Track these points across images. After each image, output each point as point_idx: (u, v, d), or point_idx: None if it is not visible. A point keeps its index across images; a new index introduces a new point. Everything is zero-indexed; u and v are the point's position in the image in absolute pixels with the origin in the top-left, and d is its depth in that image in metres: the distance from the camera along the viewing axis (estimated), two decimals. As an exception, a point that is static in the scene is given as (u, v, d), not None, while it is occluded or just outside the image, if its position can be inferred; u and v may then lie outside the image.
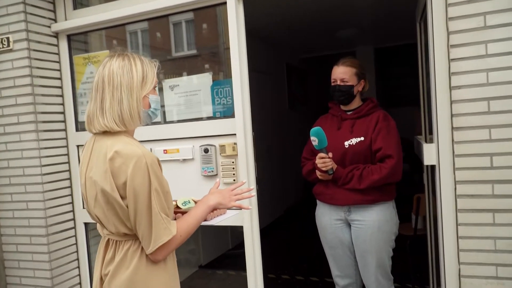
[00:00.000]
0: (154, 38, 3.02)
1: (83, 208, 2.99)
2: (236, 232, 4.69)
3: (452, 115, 2.02)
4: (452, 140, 2.03)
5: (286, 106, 6.84)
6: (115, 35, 3.05)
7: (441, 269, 2.20)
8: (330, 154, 2.24)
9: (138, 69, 1.47)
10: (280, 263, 4.49)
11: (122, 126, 1.45)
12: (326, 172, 2.27)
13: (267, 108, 5.68)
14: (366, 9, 4.87)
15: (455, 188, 2.02)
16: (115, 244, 1.50)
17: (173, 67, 3.02)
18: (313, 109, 8.47)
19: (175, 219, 1.61)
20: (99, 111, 1.44)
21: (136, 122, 1.48)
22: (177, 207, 1.72)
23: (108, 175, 1.39)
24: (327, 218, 2.44)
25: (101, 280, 1.52)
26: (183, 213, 1.65)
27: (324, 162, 2.24)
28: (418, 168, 4.51)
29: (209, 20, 2.87)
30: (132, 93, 1.44)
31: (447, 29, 1.99)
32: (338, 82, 2.40)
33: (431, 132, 2.75)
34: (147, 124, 1.60)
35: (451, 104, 2.02)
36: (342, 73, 2.40)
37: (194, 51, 2.94)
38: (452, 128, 2.02)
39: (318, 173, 2.36)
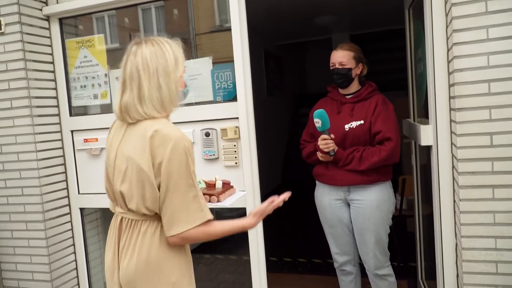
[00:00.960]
0: (122, 23, 3.01)
1: (79, 193, 2.97)
2: (220, 216, 4.73)
3: (450, 97, 2.13)
4: (450, 120, 2.15)
5: (265, 92, 6.90)
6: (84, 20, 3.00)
7: (436, 244, 2.33)
8: (332, 136, 2.32)
9: (169, 51, 1.48)
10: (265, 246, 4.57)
11: (163, 112, 1.47)
12: (327, 153, 2.35)
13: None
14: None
15: (453, 166, 2.15)
16: (130, 224, 1.51)
17: None
18: (289, 96, 8.58)
19: None
20: (137, 100, 1.45)
21: (176, 105, 1.51)
22: None
23: (146, 152, 1.40)
24: (327, 198, 2.53)
25: (117, 260, 1.54)
26: (206, 194, 1.70)
27: (326, 143, 2.32)
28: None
29: (180, 5, 2.87)
30: (169, 76, 1.46)
31: (446, 14, 2.09)
32: (337, 66, 2.47)
33: (421, 115, 2.88)
34: None
35: (449, 86, 2.14)
36: (340, 57, 2.47)
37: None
38: (450, 109, 2.14)
39: (319, 154, 2.44)
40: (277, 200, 1.65)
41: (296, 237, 4.95)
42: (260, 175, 2.59)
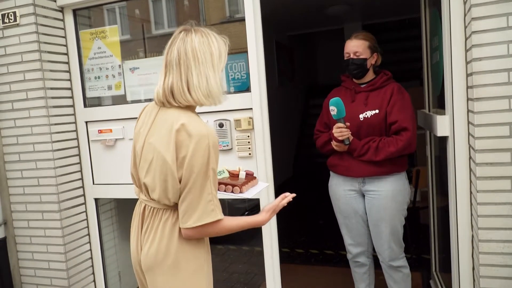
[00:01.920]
0: (133, 14, 3.02)
1: (93, 184, 2.99)
2: (232, 209, 4.74)
3: (467, 87, 2.10)
4: (467, 111, 2.12)
5: (276, 84, 6.88)
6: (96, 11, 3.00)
7: (452, 236, 2.31)
8: (348, 124, 2.29)
9: (216, 45, 1.50)
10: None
11: (211, 101, 1.51)
12: (342, 142, 2.32)
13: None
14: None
15: (470, 157, 2.12)
16: (152, 212, 1.55)
17: (153, 44, 3.02)
18: (299, 87, 8.54)
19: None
20: (185, 85, 1.46)
21: (221, 96, 1.53)
22: None
23: (171, 145, 1.42)
24: (341, 189, 2.52)
25: (140, 246, 1.58)
26: (225, 184, 1.71)
27: (341, 131, 2.28)
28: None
29: None
30: (215, 69, 1.49)
31: (465, 2, 2.05)
32: (352, 56, 2.43)
33: (436, 106, 2.85)
34: None
35: (467, 76, 2.10)
36: (355, 47, 2.43)
37: (174, 29, 2.92)
38: (468, 99, 2.11)
39: (334, 143, 2.41)
40: (289, 196, 1.68)
41: (309, 228, 4.95)
42: (273, 165, 2.58)
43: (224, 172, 1.79)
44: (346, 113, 2.30)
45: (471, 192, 2.15)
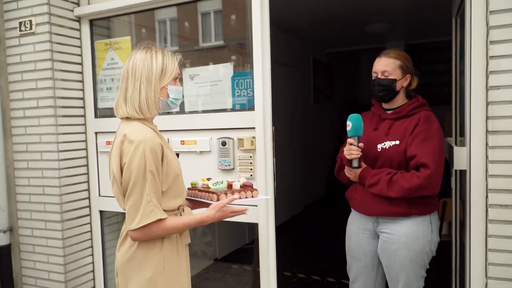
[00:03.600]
0: (182, 28, 2.97)
1: (99, 196, 2.96)
2: (253, 228, 4.61)
3: (487, 117, 1.88)
4: (486, 144, 1.89)
5: (311, 100, 6.71)
6: (143, 23, 3.00)
7: (466, 281, 2.07)
8: (361, 145, 2.02)
9: (158, 62, 1.59)
10: (297, 261, 4.40)
11: (140, 114, 1.59)
12: (350, 163, 2.06)
13: (291, 101, 5.57)
14: (398, 2, 4.68)
15: (487, 196, 1.89)
16: (124, 217, 1.65)
17: (199, 57, 2.94)
18: (338, 104, 8.31)
19: (195, 197, 1.79)
20: (123, 99, 1.60)
21: (152, 111, 1.61)
22: (208, 187, 1.77)
23: (117, 156, 1.54)
24: (355, 226, 2.25)
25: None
26: (206, 191, 1.73)
27: (350, 149, 2.02)
28: (445, 170, 4.34)
29: (238, 10, 2.78)
30: (150, 84, 1.57)
31: (487, 24, 1.85)
32: (379, 75, 2.11)
33: (462, 135, 2.61)
34: (169, 113, 1.82)
35: (487, 105, 1.88)
36: (384, 65, 2.10)
37: (221, 42, 2.86)
38: (487, 131, 1.88)
39: (346, 171, 2.17)
40: (240, 208, 1.67)
41: (330, 254, 4.72)
42: (301, 184, 2.45)
43: (222, 182, 1.83)
44: (365, 141, 2.06)
45: (487, 235, 1.91)
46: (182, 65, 1.72)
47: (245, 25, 2.73)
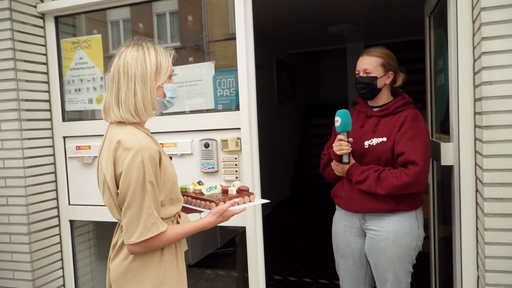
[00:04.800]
0: (136, 28, 2.89)
1: (69, 204, 2.78)
2: (224, 231, 4.53)
3: (475, 113, 1.91)
4: (475, 139, 1.92)
5: (275, 101, 6.70)
6: (102, 20, 2.86)
7: (456, 274, 2.09)
8: (351, 139, 2.02)
9: (152, 59, 1.48)
10: (271, 263, 4.34)
11: (136, 117, 1.48)
12: (340, 158, 2.06)
13: (257, 102, 5.52)
14: (359, 5, 4.74)
15: (477, 190, 1.91)
16: (120, 229, 1.55)
17: None
18: (300, 105, 8.37)
19: (190, 203, 1.70)
20: (115, 102, 1.47)
21: (149, 113, 1.51)
22: (201, 193, 1.71)
23: (110, 164, 1.42)
24: (342, 225, 2.23)
25: (109, 261, 1.60)
26: (203, 199, 1.64)
27: (340, 144, 2.01)
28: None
29: (194, 11, 2.73)
30: (145, 84, 1.46)
31: (473, 21, 1.87)
32: (361, 74, 2.13)
33: (439, 131, 2.65)
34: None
35: (474, 101, 1.91)
36: (365, 64, 2.12)
37: (178, 43, 2.77)
38: (475, 126, 1.91)
39: (333, 165, 2.14)
40: (239, 206, 1.63)
41: (303, 254, 4.71)
42: (267, 186, 2.37)
43: (216, 187, 1.75)
44: (352, 138, 2.04)
45: (477, 229, 1.94)
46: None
47: (201, 25, 2.66)
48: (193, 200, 1.70)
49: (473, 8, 1.89)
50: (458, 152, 1.99)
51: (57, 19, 2.75)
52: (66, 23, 2.82)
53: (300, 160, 8.02)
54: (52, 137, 2.76)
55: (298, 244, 5.03)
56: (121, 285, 1.50)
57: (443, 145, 2.09)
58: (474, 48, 1.89)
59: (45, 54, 2.74)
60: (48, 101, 2.75)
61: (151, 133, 1.58)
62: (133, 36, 2.84)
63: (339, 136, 2.02)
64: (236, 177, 2.35)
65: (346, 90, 7.52)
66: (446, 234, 2.58)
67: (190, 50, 2.77)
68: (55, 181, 2.77)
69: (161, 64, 1.49)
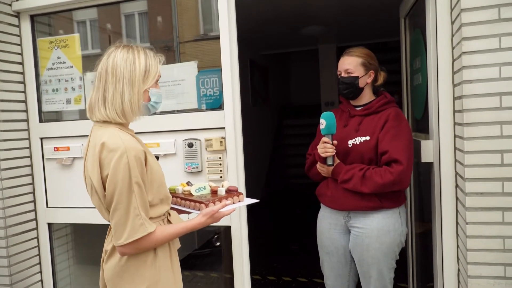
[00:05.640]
0: (104, 29, 2.85)
1: (47, 207, 2.71)
2: (201, 232, 4.51)
3: (454, 111, 1.98)
4: (454, 136, 1.99)
5: (250, 103, 6.72)
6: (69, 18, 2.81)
7: (437, 269, 2.16)
8: (335, 142, 2.05)
9: (141, 62, 1.48)
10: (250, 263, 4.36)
11: (123, 118, 1.48)
12: (325, 160, 2.09)
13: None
14: (331, 7, 4.82)
15: (457, 185, 1.99)
16: (109, 230, 1.56)
17: None
18: (273, 106, 8.43)
19: (179, 205, 1.69)
20: (101, 101, 1.47)
21: (135, 115, 1.50)
22: (190, 194, 1.69)
23: (95, 166, 1.41)
24: (326, 222, 2.26)
25: (102, 263, 1.59)
26: (193, 200, 1.63)
27: (325, 147, 2.04)
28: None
29: (164, 12, 2.73)
30: (133, 86, 1.46)
31: (452, 22, 1.94)
32: (343, 74, 2.17)
33: (415, 129, 2.73)
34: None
35: (454, 99, 1.98)
36: (346, 64, 2.16)
37: (147, 44, 2.76)
38: (455, 123, 1.98)
39: (318, 166, 2.18)
40: (229, 210, 1.61)
41: (281, 253, 4.74)
42: (245, 187, 2.39)
43: (205, 188, 1.73)
44: (336, 138, 2.08)
45: (457, 223, 2.01)
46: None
47: (171, 26, 2.66)
48: (182, 201, 1.69)
49: (451, 10, 1.96)
50: (438, 149, 2.06)
51: (33, 18, 2.69)
52: (42, 22, 2.75)
53: (274, 161, 8.07)
54: (28, 139, 2.69)
55: (275, 244, 5.06)
56: (115, 286, 1.49)
57: (423, 143, 2.16)
58: (453, 48, 1.96)
59: (21, 54, 2.67)
60: (24, 101, 2.68)
61: (134, 133, 1.57)
62: (100, 37, 2.81)
63: (324, 139, 2.05)
64: (221, 177, 2.36)
65: (319, 91, 7.62)
66: (423, 230, 2.66)
67: (160, 50, 2.73)
68: (32, 183, 2.70)
69: (150, 68, 1.50)
